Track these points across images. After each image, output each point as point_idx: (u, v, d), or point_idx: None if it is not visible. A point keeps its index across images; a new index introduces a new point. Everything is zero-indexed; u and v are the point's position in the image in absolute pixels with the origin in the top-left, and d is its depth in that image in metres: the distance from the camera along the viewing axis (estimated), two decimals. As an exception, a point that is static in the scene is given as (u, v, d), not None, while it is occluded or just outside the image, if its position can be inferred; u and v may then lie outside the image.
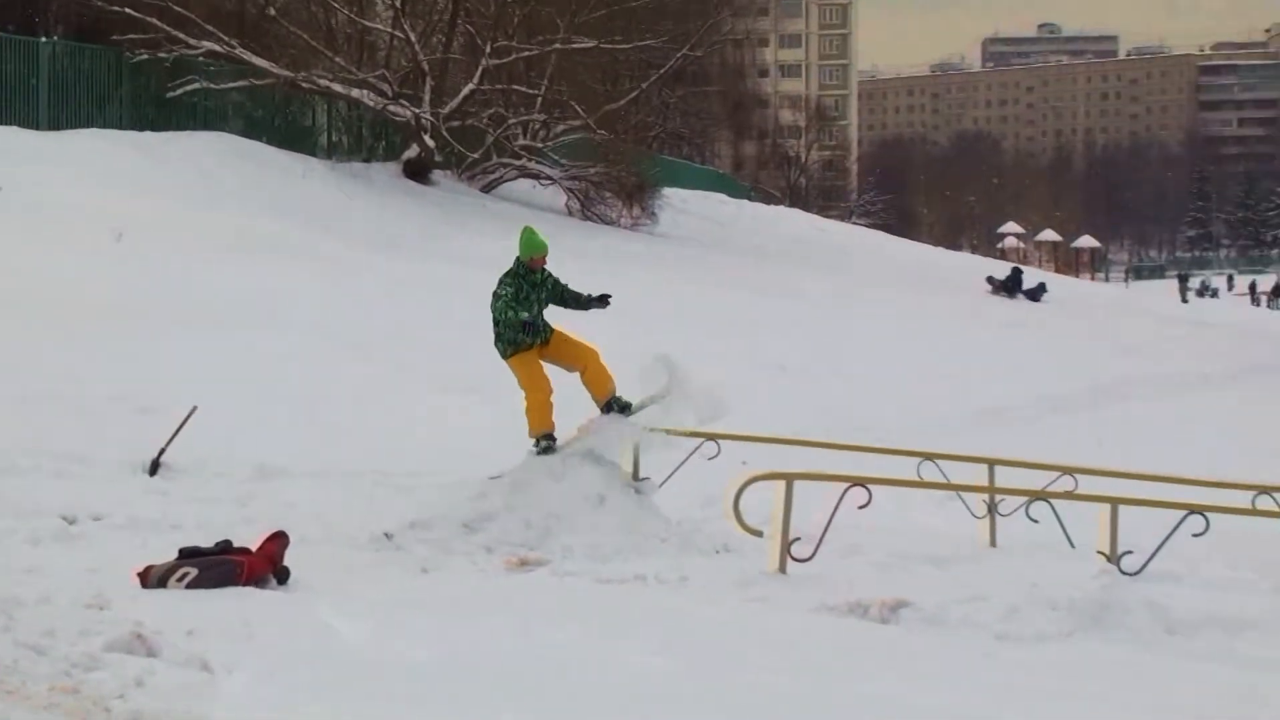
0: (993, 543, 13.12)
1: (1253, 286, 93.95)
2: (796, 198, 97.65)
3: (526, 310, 12.56)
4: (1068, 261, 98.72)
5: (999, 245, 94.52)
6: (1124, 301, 59.72)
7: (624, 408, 12.96)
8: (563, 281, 13.14)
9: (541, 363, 12.89)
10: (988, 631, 9.65)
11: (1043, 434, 20.27)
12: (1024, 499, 12.52)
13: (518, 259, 12.87)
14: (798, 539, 11.06)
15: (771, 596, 10.31)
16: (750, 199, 67.27)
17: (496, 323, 12.74)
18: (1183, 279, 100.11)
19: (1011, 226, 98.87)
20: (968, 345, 29.91)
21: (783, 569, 11.00)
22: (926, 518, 12.92)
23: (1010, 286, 44.88)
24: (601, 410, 13.01)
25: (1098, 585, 10.40)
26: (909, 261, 52.73)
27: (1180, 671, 9.21)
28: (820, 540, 11.14)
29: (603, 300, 13.17)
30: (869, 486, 11.46)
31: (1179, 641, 10.21)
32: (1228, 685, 8.93)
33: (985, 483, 13.70)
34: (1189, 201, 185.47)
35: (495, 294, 12.73)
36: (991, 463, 14.16)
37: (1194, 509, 12.06)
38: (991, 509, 13.22)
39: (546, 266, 12.99)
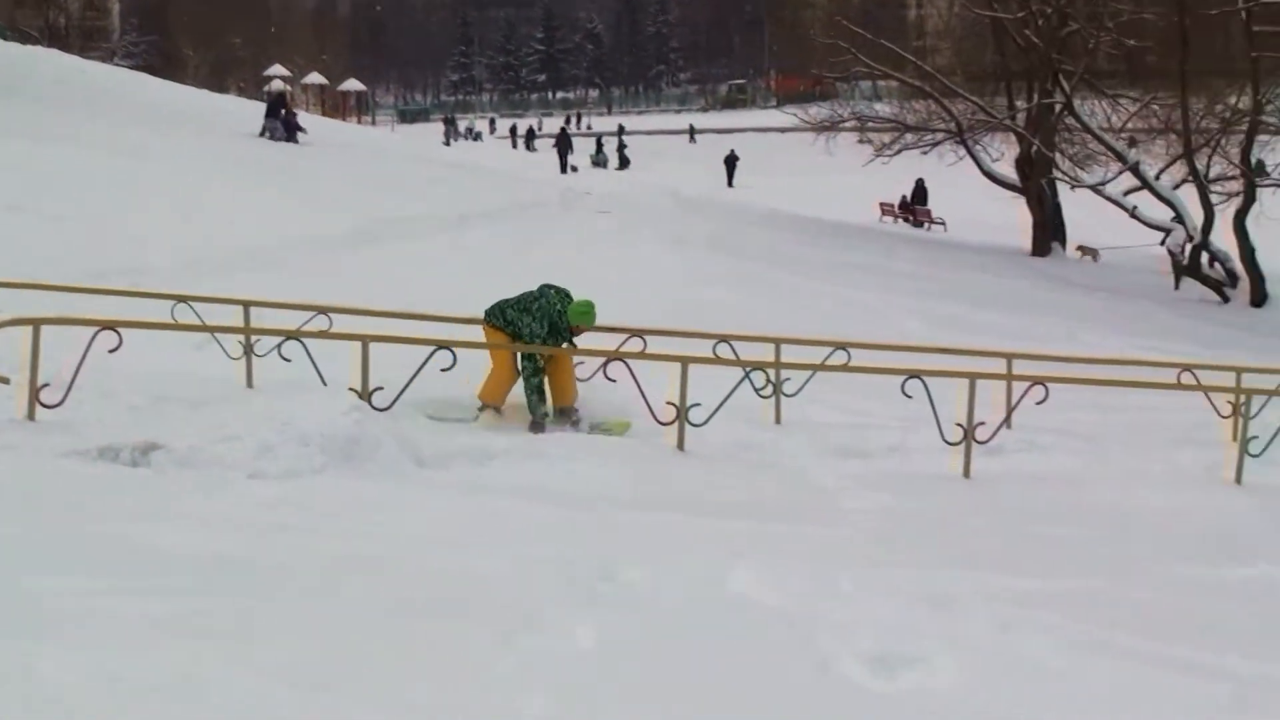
0: (249, 383, 13.22)
1: (513, 130, 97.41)
2: (56, 38, 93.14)
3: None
4: (335, 105, 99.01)
5: (266, 89, 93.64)
6: (390, 144, 60.60)
7: (576, 422, 13.44)
8: None
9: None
10: (240, 470, 9.75)
11: (301, 275, 20.44)
12: (278, 338, 12.67)
13: (565, 314, 13.42)
14: (47, 385, 10.82)
15: (19, 444, 10.02)
16: (5, 39, 63.70)
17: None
18: (448, 122, 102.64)
19: (278, 69, 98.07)
20: (227, 187, 29.62)
21: (32, 415, 10.75)
22: (182, 361, 12.83)
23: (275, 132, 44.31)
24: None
25: (349, 421, 10.64)
26: (172, 104, 51.52)
27: (429, 500, 9.62)
28: (70, 385, 10.93)
29: None
30: (120, 330, 11.31)
31: (430, 473, 10.67)
32: (476, 511, 9.40)
33: (241, 324, 13.77)
34: (452, 46, 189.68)
35: (530, 326, 13.29)
36: (246, 304, 14.22)
37: (443, 344, 12.56)
38: (247, 350, 13.32)
39: None
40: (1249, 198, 36.43)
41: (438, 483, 10.38)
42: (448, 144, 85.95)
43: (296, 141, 42.92)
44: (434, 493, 9.95)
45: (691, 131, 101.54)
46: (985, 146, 46.47)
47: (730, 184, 65.94)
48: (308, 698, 5.50)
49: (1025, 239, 43.99)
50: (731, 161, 68.34)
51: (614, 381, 13.58)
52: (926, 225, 52.32)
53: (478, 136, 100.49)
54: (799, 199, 54.06)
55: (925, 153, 46.76)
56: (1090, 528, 10.72)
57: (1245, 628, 7.37)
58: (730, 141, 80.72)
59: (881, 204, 54.75)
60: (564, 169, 64.27)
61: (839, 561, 7.99)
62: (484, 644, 6.01)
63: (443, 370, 12.34)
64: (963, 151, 45.38)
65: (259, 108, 47.45)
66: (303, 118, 47.66)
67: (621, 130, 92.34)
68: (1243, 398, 14.39)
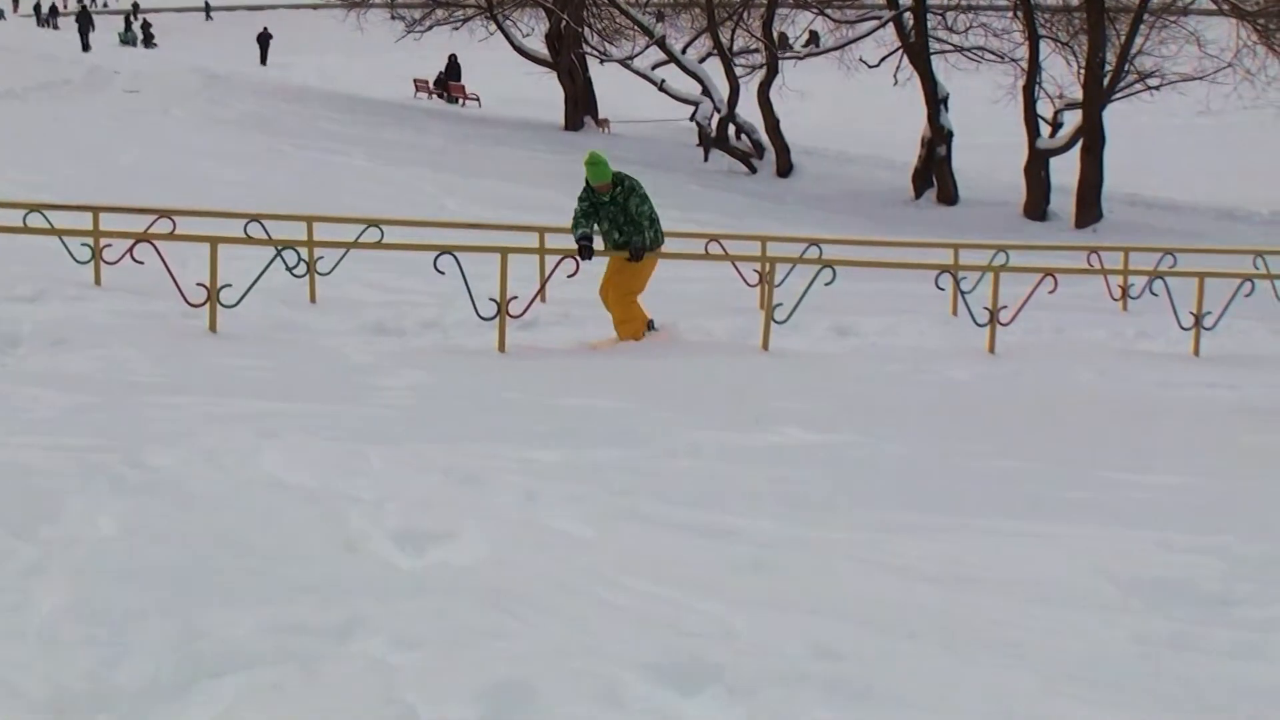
0: None
1: (36, 7, 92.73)
2: None
3: (585, 227, 13.58)
4: None
5: None
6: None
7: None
8: (640, 205, 13.65)
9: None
10: None
11: None
12: None
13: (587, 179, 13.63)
14: None
15: None
16: None
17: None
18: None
19: None
20: None
21: None
22: None
23: None
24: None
25: None
26: None
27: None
28: None
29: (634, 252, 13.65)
30: None
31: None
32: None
33: None
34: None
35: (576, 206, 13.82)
36: None
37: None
38: None
39: (620, 186, 13.56)
40: (772, 70, 37.60)
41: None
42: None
43: None
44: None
45: (207, 9, 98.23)
46: (516, 22, 46.63)
47: (264, 62, 64.41)
48: None
49: (558, 114, 44.43)
50: (265, 39, 66.68)
51: (141, 264, 13.19)
52: (461, 101, 52.27)
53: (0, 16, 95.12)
54: (335, 77, 53.38)
55: (456, 28, 46.69)
56: (621, 397, 10.95)
57: (769, 492, 7.63)
58: (261, 18, 78.77)
59: (416, 80, 54.40)
60: (85, 47, 61.67)
61: (370, 439, 7.93)
62: (1, 536, 5.75)
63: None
64: (494, 27, 45.41)
65: None
66: None
67: (136, 8, 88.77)
68: (768, 266, 14.92)
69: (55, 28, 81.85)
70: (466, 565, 5.74)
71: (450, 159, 32.18)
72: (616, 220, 13.51)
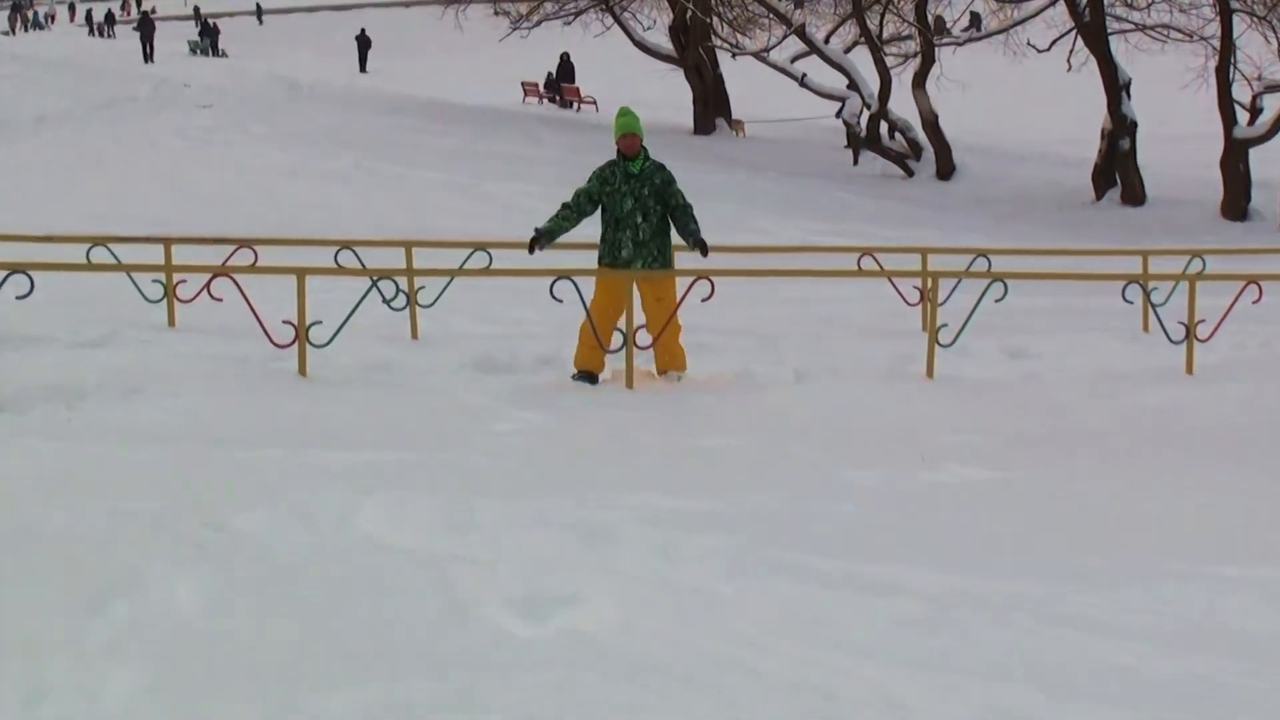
0: None
1: (88, 15, 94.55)
2: None
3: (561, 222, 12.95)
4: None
5: None
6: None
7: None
8: (678, 189, 12.99)
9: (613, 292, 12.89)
10: None
11: None
12: None
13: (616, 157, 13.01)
14: None
15: None
16: None
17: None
18: (16, 8, 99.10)
19: None
20: None
21: None
22: None
23: None
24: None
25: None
26: None
27: (10, 449, 9.32)
28: None
29: (703, 248, 12.88)
30: None
31: (10, 418, 10.37)
32: (65, 458, 9.14)
33: None
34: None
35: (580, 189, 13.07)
36: None
37: (16, 268, 12.20)
38: None
39: (651, 159, 13.04)
40: (928, 59, 37.38)
41: (20, 428, 10.09)
42: (11, 33, 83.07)
43: None
44: (16, 440, 9.65)
45: (259, 12, 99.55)
46: (635, 14, 46.77)
47: (363, 69, 65.05)
48: None
49: (686, 116, 44.46)
50: (364, 43, 67.19)
51: (220, 301, 13.36)
52: (576, 105, 52.53)
53: (38, 24, 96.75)
54: (433, 82, 53.77)
55: (568, 23, 46.86)
56: (765, 435, 10.92)
57: (934, 538, 7.60)
58: (336, 19, 79.69)
59: (524, 84, 54.75)
60: (147, 58, 62.51)
61: (481, 492, 7.97)
62: (73, 613, 5.84)
63: (18, 298, 12.01)
64: (610, 20, 45.55)
65: None
66: None
67: (198, 12, 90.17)
68: (930, 282, 14.79)
69: (111, 37, 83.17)
70: (593, 632, 5.76)
71: (565, 171, 32.14)
72: (645, 204, 13.03)
